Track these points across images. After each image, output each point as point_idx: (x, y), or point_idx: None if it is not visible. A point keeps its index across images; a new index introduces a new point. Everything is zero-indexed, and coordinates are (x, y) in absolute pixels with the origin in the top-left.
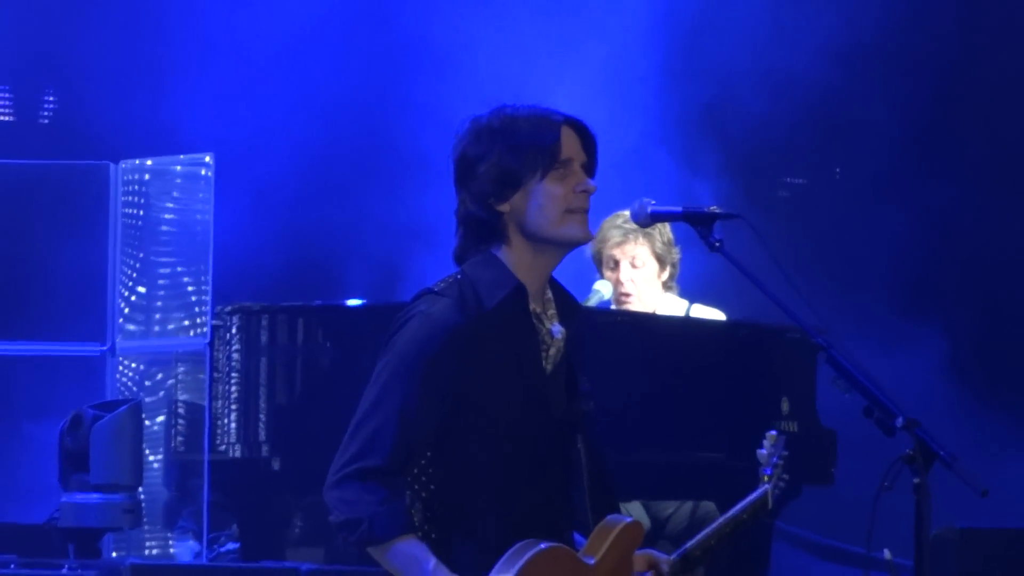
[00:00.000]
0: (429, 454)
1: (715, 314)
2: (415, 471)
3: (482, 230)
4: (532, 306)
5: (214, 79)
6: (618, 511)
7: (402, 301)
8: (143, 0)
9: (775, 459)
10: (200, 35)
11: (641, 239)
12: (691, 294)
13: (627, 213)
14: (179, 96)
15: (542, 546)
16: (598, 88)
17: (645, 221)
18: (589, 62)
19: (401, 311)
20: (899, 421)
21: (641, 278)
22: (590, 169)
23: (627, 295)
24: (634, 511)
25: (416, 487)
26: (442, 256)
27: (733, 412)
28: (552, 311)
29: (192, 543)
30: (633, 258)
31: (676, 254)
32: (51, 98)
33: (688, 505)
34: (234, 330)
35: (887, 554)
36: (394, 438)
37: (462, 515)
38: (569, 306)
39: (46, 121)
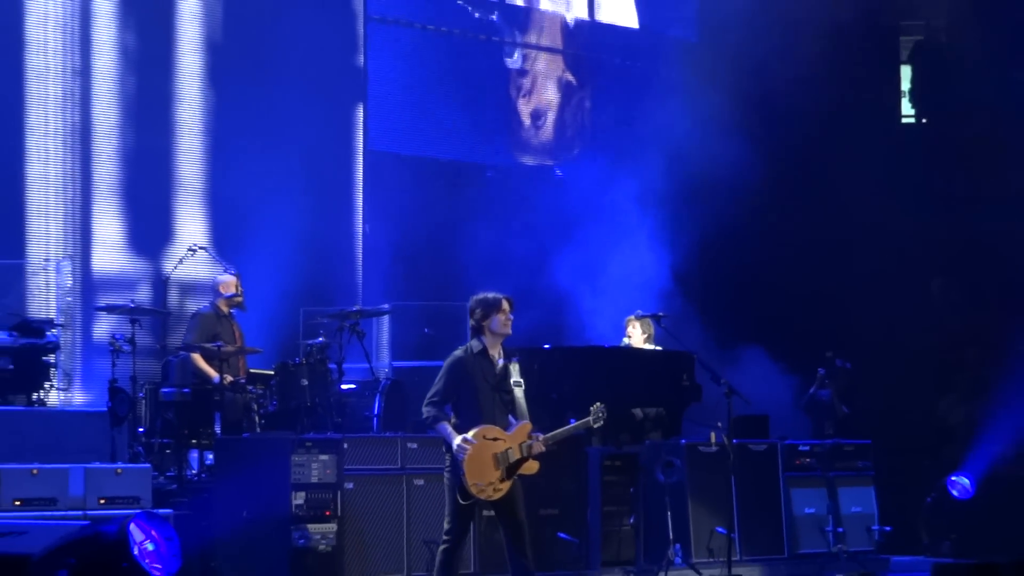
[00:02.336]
0: (453, 399)
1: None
2: (450, 403)
3: (477, 330)
4: (491, 353)
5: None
6: (525, 419)
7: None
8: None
9: (600, 413)
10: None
11: (635, 321)
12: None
13: (636, 313)
14: None
15: (484, 425)
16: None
17: (639, 316)
18: None
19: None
20: (722, 377)
21: (634, 335)
22: (512, 311)
23: (629, 340)
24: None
25: (450, 408)
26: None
27: (667, 380)
28: (500, 355)
29: None
30: (633, 327)
31: (651, 328)
32: None
33: (653, 409)
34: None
35: (719, 424)
36: (443, 391)
37: (461, 417)
38: (507, 354)
39: None
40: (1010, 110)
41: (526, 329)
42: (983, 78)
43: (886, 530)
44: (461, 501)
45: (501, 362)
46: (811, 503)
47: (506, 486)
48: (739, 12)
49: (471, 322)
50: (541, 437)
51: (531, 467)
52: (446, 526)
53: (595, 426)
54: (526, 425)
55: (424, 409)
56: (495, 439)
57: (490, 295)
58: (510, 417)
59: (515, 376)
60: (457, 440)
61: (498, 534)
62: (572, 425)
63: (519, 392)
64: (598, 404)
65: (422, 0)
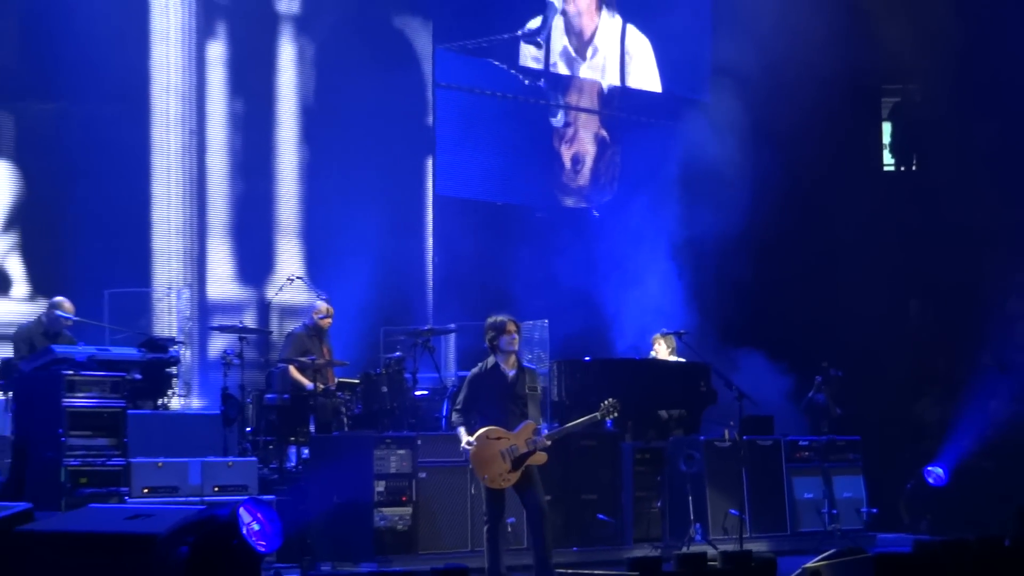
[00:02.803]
0: (474, 406)
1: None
2: (471, 410)
3: (492, 348)
4: (503, 366)
5: None
6: (532, 420)
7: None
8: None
9: (610, 408)
10: None
11: (661, 338)
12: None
13: (662, 331)
14: None
15: (489, 427)
16: None
17: (664, 334)
18: None
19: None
20: (734, 384)
21: (660, 349)
22: (519, 332)
23: (656, 354)
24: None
25: (470, 414)
26: None
27: (688, 387)
28: (512, 368)
29: None
30: (659, 343)
31: (674, 343)
32: None
33: (676, 411)
34: (555, 367)
35: (732, 423)
36: (464, 401)
37: (481, 420)
38: (519, 366)
39: None
40: (973, 161)
41: (570, 340)
42: (951, 133)
43: (873, 512)
44: (472, 492)
45: (512, 373)
46: (809, 489)
47: (515, 476)
48: (745, 78)
49: (486, 341)
50: (545, 433)
51: (538, 458)
52: (484, 509)
53: (603, 419)
54: (530, 424)
55: (452, 414)
56: (499, 438)
57: (498, 319)
58: (538, 422)
59: (529, 383)
60: (462, 443)
61: (553, 515)
62: (577, 421)
63: (532, 396)
64: (610, 400)
65: (480, 70)
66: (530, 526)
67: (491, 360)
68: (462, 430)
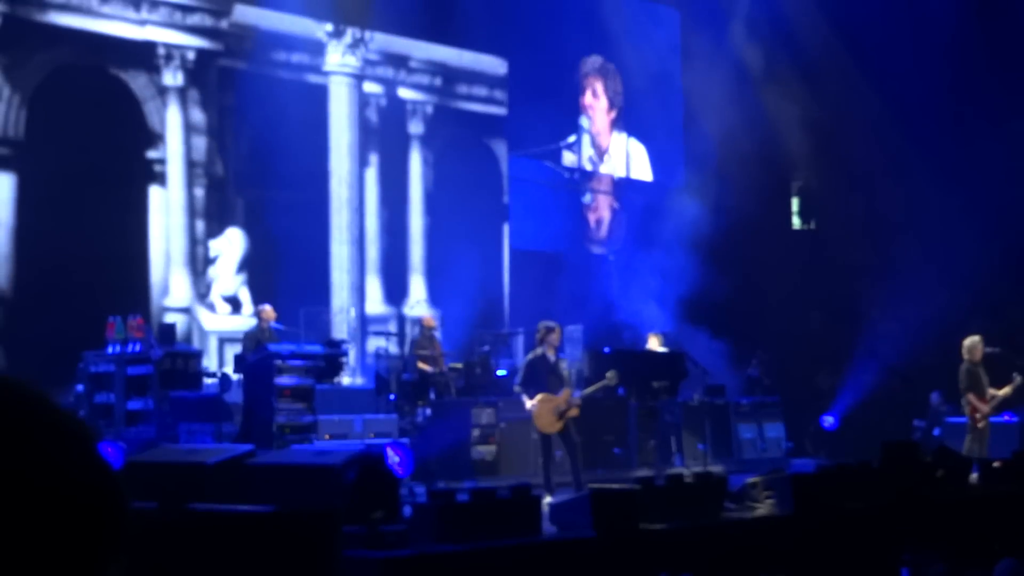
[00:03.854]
0: (531, 379)
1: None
2: (529, 383)
3: (541, 343)
4: (547, 354)
5: None
6: (566, 387)
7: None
8: None
9: (615, 379)
10: None
11: (653, 336)
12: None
13: (654, 332)
14: None
15: (542, 393)
16: None
17: (656, 334)
18: None
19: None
20: (700, 364)
21: (652, 343)
22: (560, 338)
23: (650, 346)
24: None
25: (528, 386)
26: None
27: (671, 367)
28: (553, 355)
29: None
30: (652, 340)
31: (661, 339)
32: None
33: (664, 382)
34: (586, 356)
35: (698, 390)
36: (524, 376)
37: (533, 388)
38: (557, 354)
39: None
40: (852, 223)
41: (596, 337)
42: (838, 205)
43: (789, 445)
44: (533, 436)
45: (553, 359)
46: (749, 432)
47: (560, 424)
48: (705, 170)
49: (536, 337)
50: (577, 394)
51: (573, 412)
52: (539, 447)
53: (612, 384)
54: (567, 391)
55: (516, 386)
56: (549, 401)
57: (548, 325)
58: (571, 389)
59: (564, 365)
60: (527, 406)
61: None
62: (595, 386)
63: (565, 373)
64: (612, 371)
65: (537, 168)
66: (569, 457)
67: (539, 350)
68: (525, 397)
